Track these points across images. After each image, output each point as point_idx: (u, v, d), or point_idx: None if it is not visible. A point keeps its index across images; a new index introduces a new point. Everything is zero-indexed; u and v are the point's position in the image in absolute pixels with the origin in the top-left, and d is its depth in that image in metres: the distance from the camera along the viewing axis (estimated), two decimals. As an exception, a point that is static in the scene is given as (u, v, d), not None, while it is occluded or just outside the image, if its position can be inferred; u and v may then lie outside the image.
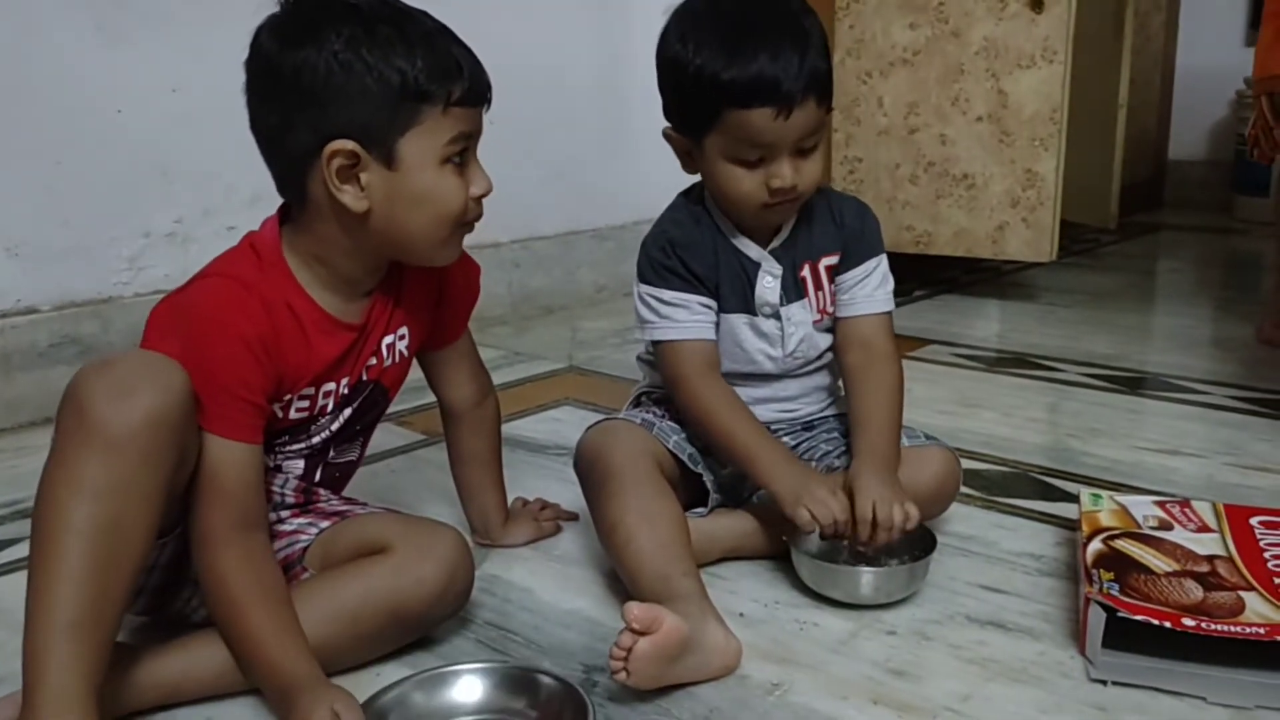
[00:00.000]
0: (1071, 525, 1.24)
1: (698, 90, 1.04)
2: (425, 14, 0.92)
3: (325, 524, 0.99)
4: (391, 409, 1.68)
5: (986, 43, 2.39)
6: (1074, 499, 1.32)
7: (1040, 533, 1.23)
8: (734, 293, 1.14)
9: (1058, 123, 2.37)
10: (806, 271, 1.16)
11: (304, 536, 0.98)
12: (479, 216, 0.98)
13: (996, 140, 2.43)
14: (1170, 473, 1.42)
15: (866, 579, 1.05)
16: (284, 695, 0.82)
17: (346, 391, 1.00)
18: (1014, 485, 1.38)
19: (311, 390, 0.96)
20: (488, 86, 0.94)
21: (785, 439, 1.20)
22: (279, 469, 0.99)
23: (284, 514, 1.01)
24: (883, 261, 1.19)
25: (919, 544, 1.08)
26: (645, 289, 1.14)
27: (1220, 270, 3.25)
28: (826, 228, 1.17)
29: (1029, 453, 1.49)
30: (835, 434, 1.20)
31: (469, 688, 0.87)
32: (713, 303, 1.13)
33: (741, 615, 1.03)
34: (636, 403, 1.25)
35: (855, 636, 1.00)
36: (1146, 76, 3.92)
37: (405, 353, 1.05)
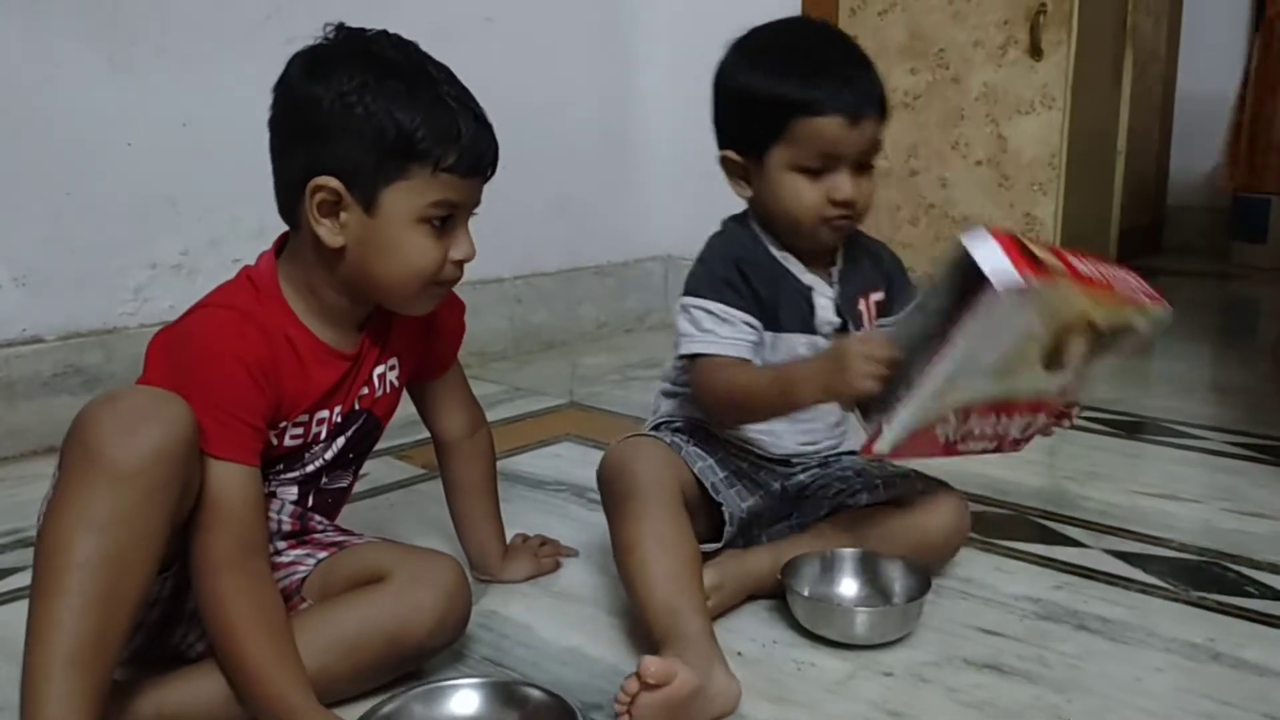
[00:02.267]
0: (1068, 569, 1.24)
1: (769, 105, 1.08)
2: (452, 78, 0.95)
3: (323, 554, 1.00)
4: (390, 443, 1.70)
5: (986, 88, 2.42)
6: (1073, 543, 1.32)
7: (1038, 576, 1.23)
8: (793, 313, 1.15)
9: (1056, 168, 2.39)
10: (862, 305, 1.18)
11: (302, 567, 0.99)
12: (456, 279, 0.99)
13: (996, 184, 2.45)
14: (1167, 517, 1.42)
15: (861, 619, 1.05)
16: None
17: (340, 420, 1.00)
18: (1012, 528, 1.38)
19: (306, 418, 0.97)
20: (490, 161, 0.96)
21: (801, 476, 1.21)
22: (273, 495, 1.00)
23: (281, 545, 1.01)
24: None
25: (914, 585, 1.08)
26: (693, 301, 1.13)
27: (1218, 315, 3.27)
28: (871, 264, 1.20)
29: (1027, 496, 1.49)
30: (850, 472, 1.21)
31: (465, 701, 0.88)
32: (759, 324, 1.13)
33: (739, 654, 1.03)
34: (656, 429, 1.24)
35: (852, 678, 1.00)
36: (1145, 123, 3.95)
37: (396, 383, 1.06)
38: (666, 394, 1.26)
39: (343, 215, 0.91)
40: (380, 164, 0.90)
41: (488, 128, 0.95)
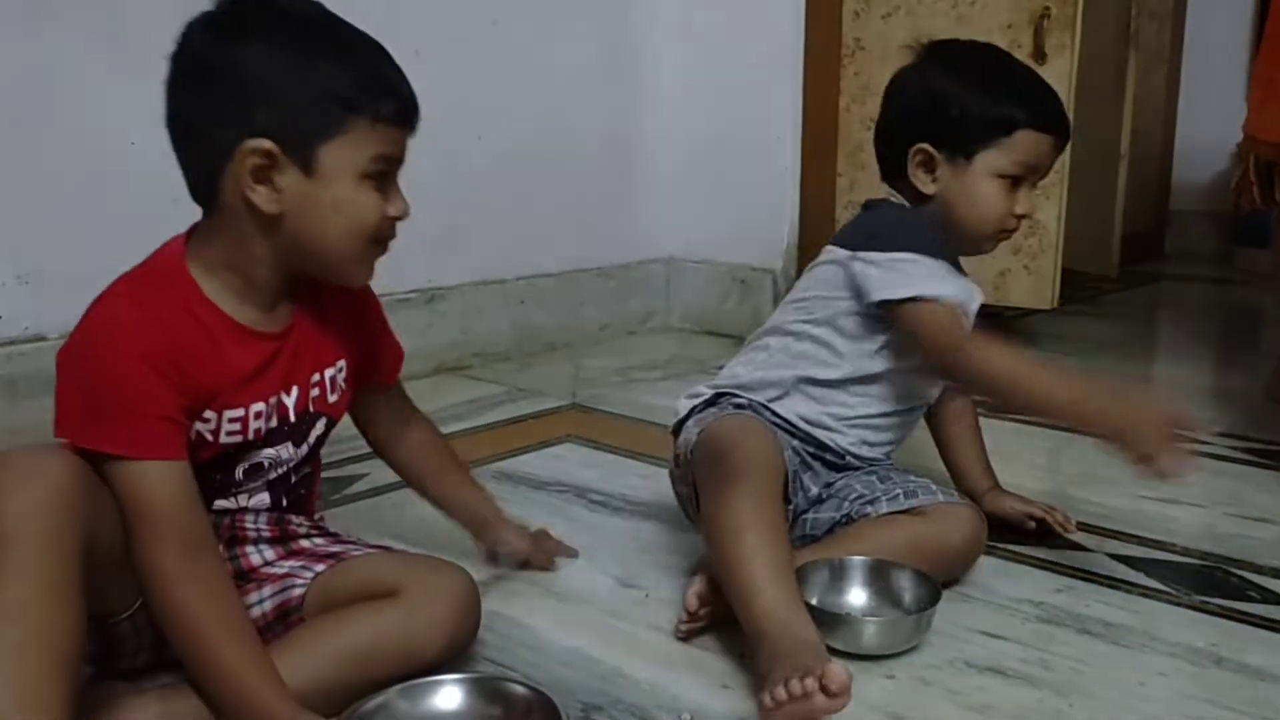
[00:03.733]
0: (1070, 573, 1.24)
1: (998, 112, 1.18)
2: (361, 31, 0.92)
3: (320, 567, 0.97)
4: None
5: (990, 92, 2.41)
6: (1075, 546, 1.32)
7: (1041, 579, 1.23)
8: (959, 293, 1.20)
9: (1059, 172, 2.39)
10: None
11: (299, 581, 0.96)
12: (392, 237, 0.96)
13: (999, 188, 2.45)
14: (1170, 521, 1.42)
15: (870, 629, 1.04)
16: None
17: (293, 419, 0.97)
18: (1014, 532, 1.37)
19: (241, 412, 0.92)
20: (416, 110, 0.94)
21: (825, 474, 1.22)
22: (245, 510, 0.97)
23: (269, 554, 0.99)
24: None
25: (923, 594, 1.08)
26: (907, 256, 1.16)
27: (1221, 321, 3.26)
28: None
29: (1030, 498, 1.48)
30: (874, 479, 1.21)
31: (449, 697, 0.89)
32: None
33: (741, 656, 1.03)
34: (713, 402, 1.23)
35: (854, 680, 0.99)
36: (1148, 128, 3.95)
37: (344, 385, 1.03)
38: (755, 362, 1.26)
39: (278, 179, 0.87)
40: (317, 120, 0.86)
41: (405, 76, 0.93)
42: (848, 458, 1.22)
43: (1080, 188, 2.63)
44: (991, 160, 1.18)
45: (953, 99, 1.20)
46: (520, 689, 0.88)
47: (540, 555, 1.22)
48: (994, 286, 2.49)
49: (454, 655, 0.97)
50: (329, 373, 1.00)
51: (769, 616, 0.94)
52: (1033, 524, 1.30)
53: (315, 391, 0.99)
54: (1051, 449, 1.76)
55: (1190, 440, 1.05)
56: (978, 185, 1.19)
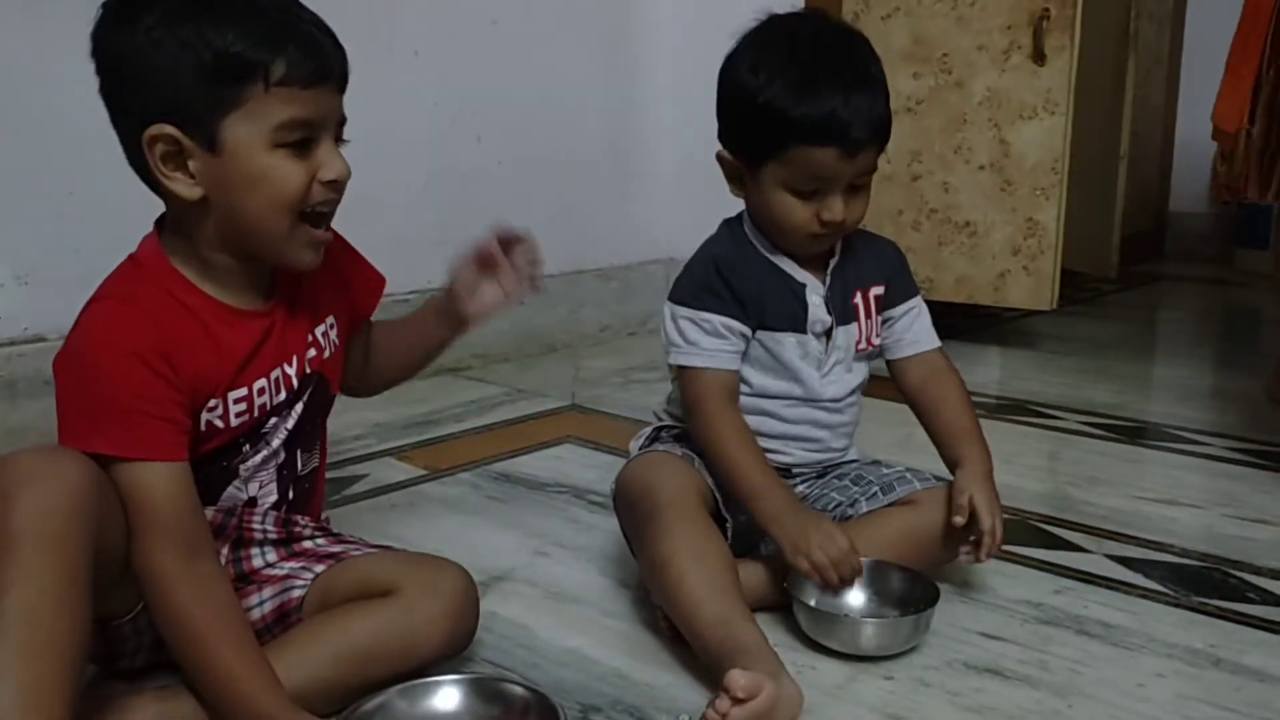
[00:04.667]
0: (1069, 574, 1.24)
1: (766, 120, 1.07)
2: None
3: (319, 568, 0.97)
4: (391, 444, 1.70)
5: (989, 93, 2.42)
6: (1074, 548, 1.32)
7: (1039, 580, 1.23)
8: (783, 312, 1.15)
9: (1059, 173, 2.39)
10: (859, 299, 1.18)
11: (298, 583, 0.96)
12: (328, 204, 0.91)
13: (998, 189, 2.45)
14: (1169, 522, 1.42)
15: (868, 630, 1.04)
16: None
17: (296, 385, 0.96)
18: (1013, 532, 1.37)
19: (244, 391, 0.91)
20: (333, 66, 0.87)
21: (800, 487, 1.21)
22: (254, 502, 0.97)
23: (271, 556, 0.98)
24: (922, 300, 1.24)
25: (921, 595, 1.07)
26: (680, 310, 1.14)
27: (1220, 322, 3.26)
28: (871, 258, 1.21)
29: (1028, 500, 1.49)
30: (847, 482, 1.20)
31: (447, 697, 0.89)
32: (747, 330, 1.14)
33: (739, 657, 1.03)
34: (655, 437, 1.24)
35: (853, 681, 1.00)
36: (1148, 129, 3.95)
37: (338, 341, 1.03)
38: (671, 399, 1.25)
39: (190, 164, 0.84)
40: (208, 95, 0.82)
41: (325, 31, 0.87)
42: (794, 469, 1.20)
43: (1080, 188, 2.63)
44: (773, 173, 1.09)
45: (729, 97, 1.12)
46: (519, 690, 0.88)
47: (505, 291, 1.17)
48: (993, 287, 2.49)
49: (452, 654, 0.97)
50: (320, 330, 1.00)
51: (708, 639, 0.96)
52: (960, 521, 1.13)
53: (311, 353, 0.99)
54: (1051, 450, 1.76)
55: (846, 577, 1.03)
56: (768, 196, 1.10)
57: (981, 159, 2.45)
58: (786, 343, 1.15)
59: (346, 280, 1.06)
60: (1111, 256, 3.40)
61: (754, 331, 1.15)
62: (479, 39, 2.21)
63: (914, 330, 1.22)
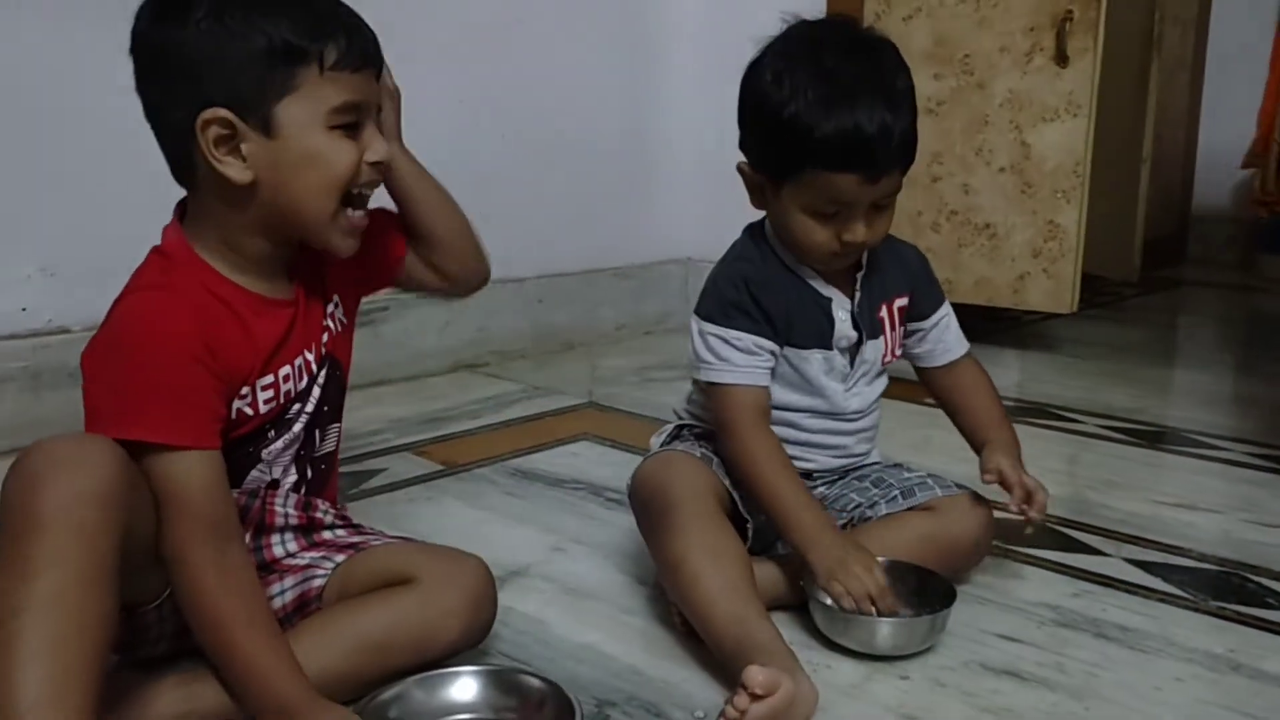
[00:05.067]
0: (1087, 577, 1.24)
1: (787, 138, 1.04)
2: None
3: (340, 558, 0.98)
4: (408, 439, 1.71)
5: (1011, 95, 2.41)
6: (1093, 551, 1.31)
7: (1057, 583, 1.22)
8: (810, 329, 1.13)
9: (1080, 175, 2.38)
10: (884, 312, 1.18)
11: (319, 572, 0.97)
12: (374, 184, 0.94)
13: (1019, 191, 2.44)
14: (1188, 527, 1.41)
15: (884, 630, 1.03)
16: (281, 717, 0.82)
17: (316, 367, 0.98)
18: (1031, 535, 1.37)
19: (271, 379, 0.93)
20: (370, 52, 0.91)
21: (819, 488, 1.20)
22: (276, 484, 0.98)
23: (292, 546, 0.99)
24: (950, 307, 1.24)
25: (938, 596, 1.07)
26: (708, 328, 1.12)
27: (1241, 328, 3.24)
28: (895, 267, 1.19)
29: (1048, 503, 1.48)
30: (867, 484, 1.20)
31: (464, 688, 0.89)
32: (775, 346, 1.12)
33: (755, 655, 1.03)
34: (676, 435, 1.23)
35: (869, 680, 1.00)
36: (1170, 132, 3.93)
37: (345, 320, 1.04)
38: (691, 400, 1.25)
39: (243, 147, 0.86)
40: (264, 80, 0.85)
41: (358, 18, 0.90)
42: (814, 474, 1.20)
43: (1102, 192, 2.61)
44: (793, 194, 1.07)
45: (751, 109, 1.09)
46: (535, 681, 0.89)
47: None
48: (1013, 289, 2.48)
49: (469, 645, 0.97)
50: (328, 309, 1.01)
51: (723, 638, 0.96)
52: (992, 481, 1.15)
53: (325, 336, 1.00)
54: (1070, 454, 1.75)
55: (882, 608, 1.02)
56: (789, 216, 1.08)
57: (1002, 161, 2.44)
58: (813, 360, 1.14)
59: (361, 249, 1.01)
60: (1133, 260, 3.38)
61: (781, 348, 1.14)
62: (502, 39, 2.22)
63: (946, 339, 1.23)
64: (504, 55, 2.23)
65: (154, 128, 0.91)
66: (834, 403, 1.17)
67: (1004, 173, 2.44)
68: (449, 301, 2.17)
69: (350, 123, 0.89)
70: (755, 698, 0.84)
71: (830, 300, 1.14)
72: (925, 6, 2.45)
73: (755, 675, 0.84)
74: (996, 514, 1.19)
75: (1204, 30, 4.12)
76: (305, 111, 0.87)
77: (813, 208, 1.06)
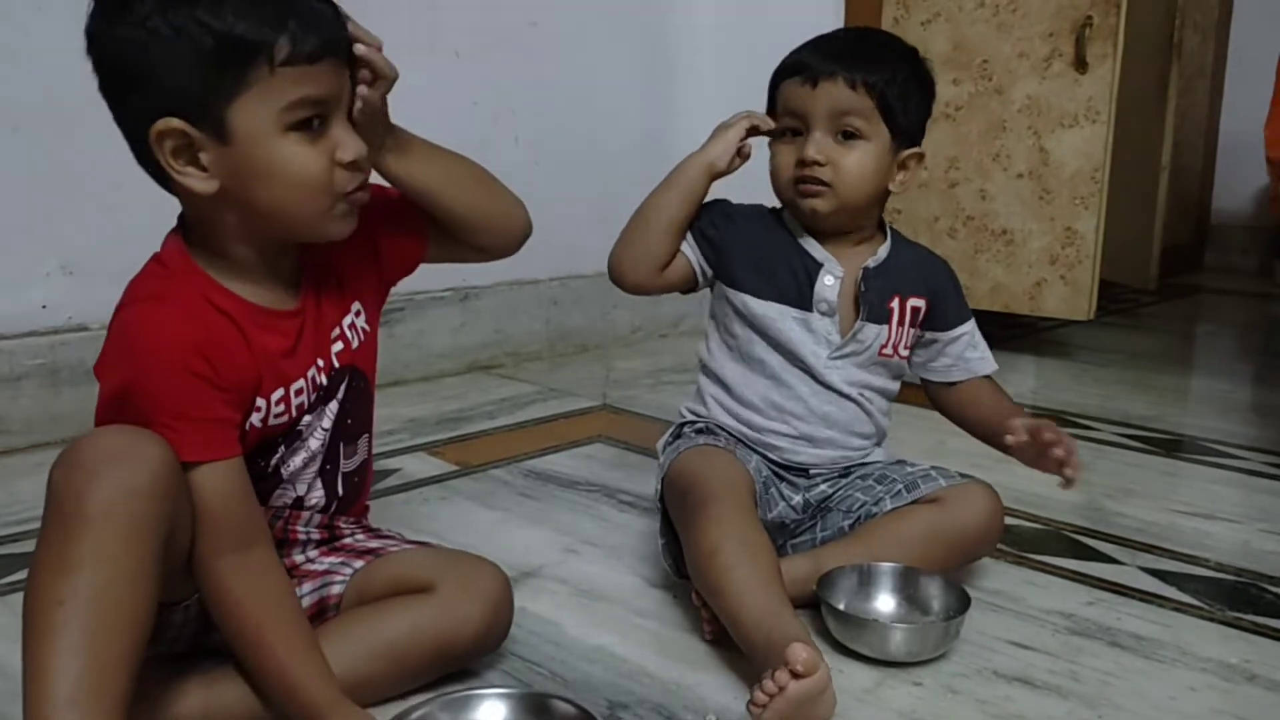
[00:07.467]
0: (1102, 585, 1.23)
1: (772, 79, 1.18)
2: None
3: (359, 564, 0.98)
4: (423, 439, 1.71)
5: (1029, 101, 2.40)
6: (1107, 559, 1.31)
7: (1071, 591, 1.22)
8: (788, 285, 1.17)
9: (1099, 182, 2.37)
10: (895, 303, 1.18)
11: (338, 578, 0.96)
12: (360, 185, 0.87)
13: (1036, 197, 2.43)
14: (1204, 536, 1.40)
15: (897, 636, 1.03)
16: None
17: (325, 381, 0.93)
18: (1046, 543, 1.37)
19: (282, 392, 0.89)
20: (336, 39, 0.82)
21: (822, 486, 1.20)
22: (300, 503, 0.96)
23: (312, 553, 0.99)
24: (976, 328, 1.26)
25: (952, 602, 1.07)
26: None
27: (1260, 336, 3.22)
28: (917, 269, 1.22)
29: (1062, 511, 1.48)
30: (871, 481, 1.20)
31: (491, 711, 0.88)
32: (705, 265, 1.20)
33: (767, 659, 1.03)
34: (678, 434, 1.24)
35: (880, 686, 0.99)
36: (1190, 140, 3.91)
37: (368, 328, 0.99)
38: (700, 390, 1.26)
39: (201, 156, 0.80)
40: (212, 81, 0.78)
41: (314, 2, 0.81)
42: (812, 470, 1.20)
43: (1120, 199, 2.60)
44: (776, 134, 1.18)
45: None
46: (564, 705, 0.87)
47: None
48: (1029, 296, 2.48)
49: (486, 651, 0.97)
50: (346, 321, 0.96)
51: (754, 630, 0.95)
52: (1024, 438, 1.13)
53: (338, 346, 0.95)
54: (1085, 461, 1.74)
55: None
56: (770, 157, 1.18)
57: (1020, 167, 2.43)
58: (787, 314, 1.16)
59: (375, 246, 0.99)
60: (1151, 268, 3.36)
61: (713, 278, 1.21)
62: (519, 40, 2.23)
63: (968, 357, 1.24)
64: (520, 57, 2.23)
65: (125, 138, 0.86)
66: (810, 365, 1.17)
67: (1022, 179, 2.44)
68: (464, 302, 2.18)
69: (309, 119, 0.81)
70: (796, 675, 0.84)
71: (821, 265, 1.17)
72: (944, 11, 2.45)
73: (799, 652, 0.84)
74: (1016, 507, 1.17)
75: (1224, 38, 4.10)
76: (258, 113, 0.80)
77: (780, 131, 1.16)
